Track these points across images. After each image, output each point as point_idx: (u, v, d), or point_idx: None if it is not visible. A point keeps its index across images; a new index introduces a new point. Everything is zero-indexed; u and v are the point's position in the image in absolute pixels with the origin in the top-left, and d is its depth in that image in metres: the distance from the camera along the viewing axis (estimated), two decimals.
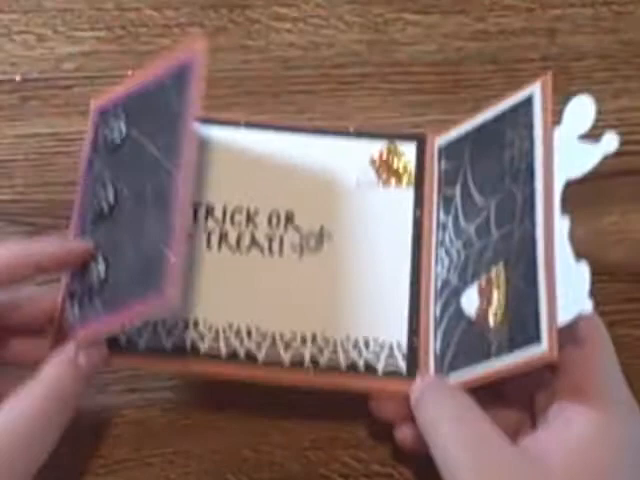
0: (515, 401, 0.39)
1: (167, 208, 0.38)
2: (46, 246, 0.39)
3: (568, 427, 0.36)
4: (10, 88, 0.50)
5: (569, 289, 0.36)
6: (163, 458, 0.42)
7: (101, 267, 0.39)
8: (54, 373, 0.38)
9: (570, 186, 0.49)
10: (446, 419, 0.37)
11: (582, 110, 0.40)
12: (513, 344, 0.36)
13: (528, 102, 0.41)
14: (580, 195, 0.49)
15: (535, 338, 0.35)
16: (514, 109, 0.42)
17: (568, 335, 0.36)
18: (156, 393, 0.43)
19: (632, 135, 0.50)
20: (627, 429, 0.36)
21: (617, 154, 0.50)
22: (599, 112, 0.51)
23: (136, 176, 0.40)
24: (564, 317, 0.35)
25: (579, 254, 0.48)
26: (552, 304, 0.36)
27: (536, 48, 0.52)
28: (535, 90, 0.41)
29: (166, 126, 0.40)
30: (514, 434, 0.37)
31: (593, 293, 0.46)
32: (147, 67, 0.42)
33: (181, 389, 0.44)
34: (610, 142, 0.38)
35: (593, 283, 0.47)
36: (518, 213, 0.39)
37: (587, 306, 0.34)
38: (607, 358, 0.38)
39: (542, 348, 0.35)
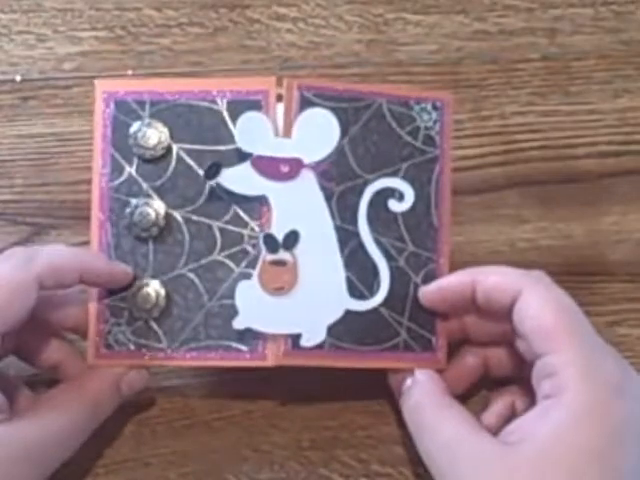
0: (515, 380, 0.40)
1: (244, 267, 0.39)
2: (95, 260, 0.39)
3: (546, 412, 0.34)
4: (10, 88, 0.50)
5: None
6: (163, 458, 0.42)
7: (161, 294, 0.39)
8: (93, 397, 0.39)
9: (569, 187, 0.49)
10: (429, 430, 0.37)
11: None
12: None
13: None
14: (580, 195, 0.50)
15: None
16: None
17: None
18: (156, 393, 0.43)
19: (632, 135, 0.50)
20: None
21: (617, 154, 0.50)
22: (599, 112, 0.51)
23: (195, 206, 0.40)
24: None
25: (579, 254, 0.48)
26: None
27: (536, 48, 0.52)
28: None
29: (220, 157, 0.39)
30: (512, 415, 0.39)
31: (593, 293, 0.47)
32: (189, 79, 0.41)
33: (181, 389, 0.44)
34: None
35: (593, 283, 0.48)
36: None
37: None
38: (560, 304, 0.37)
39: None
